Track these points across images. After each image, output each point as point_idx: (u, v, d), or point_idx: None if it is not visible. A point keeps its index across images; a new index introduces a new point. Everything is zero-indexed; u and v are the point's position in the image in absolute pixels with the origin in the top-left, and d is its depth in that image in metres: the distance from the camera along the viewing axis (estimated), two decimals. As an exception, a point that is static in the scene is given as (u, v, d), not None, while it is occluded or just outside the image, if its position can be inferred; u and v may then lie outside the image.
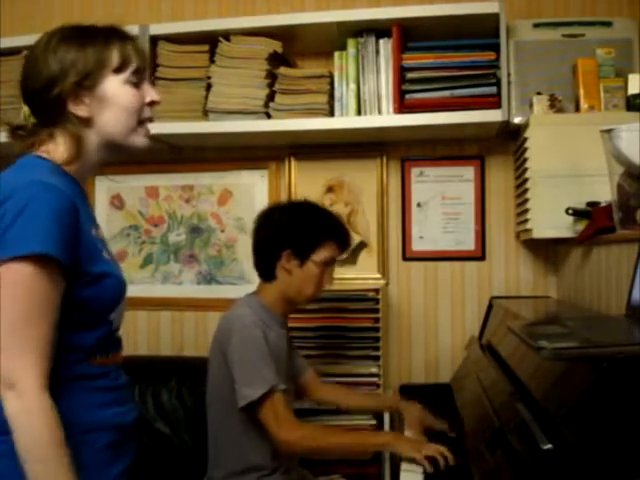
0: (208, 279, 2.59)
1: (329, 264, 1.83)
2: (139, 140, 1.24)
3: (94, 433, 1.15)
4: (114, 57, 1.19)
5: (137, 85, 1.22)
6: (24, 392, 1.03)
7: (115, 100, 1.19)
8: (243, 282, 2.55)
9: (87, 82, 1.17)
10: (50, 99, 1.17)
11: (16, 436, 1.03)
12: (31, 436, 1.03)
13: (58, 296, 1.08)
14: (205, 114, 2.29)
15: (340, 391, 2.07)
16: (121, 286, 1.21)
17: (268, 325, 1.78)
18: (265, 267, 1.84)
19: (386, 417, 2.15)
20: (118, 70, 1.19)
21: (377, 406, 2.10)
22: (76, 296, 1.11)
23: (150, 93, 1.24)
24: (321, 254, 1.79)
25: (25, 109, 1.24)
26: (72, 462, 1.06)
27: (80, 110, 1.18)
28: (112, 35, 1.21)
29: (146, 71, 1.25)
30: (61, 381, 1.11)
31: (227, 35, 2.27)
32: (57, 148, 1.19)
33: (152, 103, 1.25)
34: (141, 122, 1.24)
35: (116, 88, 1.19)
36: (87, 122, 1.19)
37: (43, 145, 1.20)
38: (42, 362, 1.05)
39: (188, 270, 2.61)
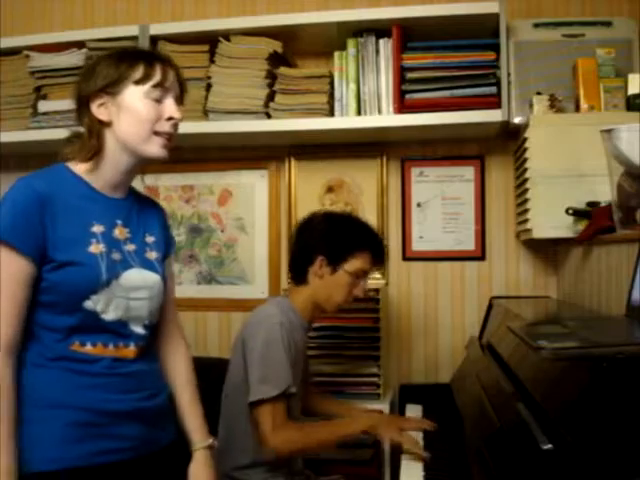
0: (208, 279, 2.59)
1: (361, 275, 1.86)
2: (152, 149, 1.33)
3: (62, 409, 1.25)
4: (138, 70, 1.31)
5: (158, 101, 1.32)
6: None
7: (131, 109, 1.30)
8: (243, 282, 2.56)
9: (110, 89, 1.30)
10: (79, 101, 1.33)
11: None
12: None
13: (22, 274, 1.23)
14: (205, 114, 2.29)
15: (329, 403, 2.05)
16: (94, 276, 1.27)
17: (295, 328, 1.80)
18: (298, 271, 1.88)
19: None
20: (139, 82, 1.30)
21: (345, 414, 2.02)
22: (44, 279, 1.25)
23: (170, 109, 1.33)
24: (353, 264, 1.82)
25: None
26: (14, 432, 1.19)
27: (101, 114, 1.31)
28: (142, 55, 1.35)
29: (174, 91, 1.35)
30: (43, 358, 1.26)
31: (227, 35, 2.27)
32: (79, 149, 1.33)
33: (170, 119, 1.33)
34: (156, 133, 1.32)
35: (135, 98, 1.31)
36: (107, 125, 1.32)
37: (79, 152, 1.33)
38: (9, 332, 1.21)
39: (188, 270, 2.61)
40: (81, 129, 1.34)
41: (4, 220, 1.23)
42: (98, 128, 1.31)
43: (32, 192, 1.24)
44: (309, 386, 2.05)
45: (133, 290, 1.33)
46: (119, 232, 1.34)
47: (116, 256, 1.31)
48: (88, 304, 1.27)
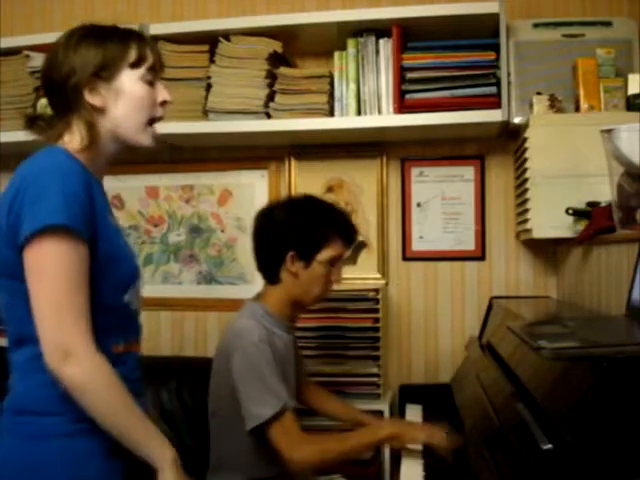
0: (208, 279, 2.59)
1: (335, 262, 1.77)
2: (146, 138, 1.29)
3: None
4: (131, 52, 1.24)
5: (151, 84, 1.28)
6: (83, 357, 1.09)
7: (129, 93, 1.24)
8: (243, 282, 2.56)
9: (104, 73, 1.23)
10: (68, 88, 1.22)
11: (86, 400, 1.10)
12: (100, 395, 1.10)
13: (86, 266, 1.13)
14: (205, 114, 2.29)
15: (334, 403, 2.01)
16: (134, 268, 1.25)
17: (274, 333, 1.72)
18: (269, 270, 1.78)
19: (386, 415, 2.15)
20: (134, 65, 1.25)
21: (349, 420, 1.98)
22: (92, 275, 1.15)
23: (163, 93, 1.30)
24: (326, 253, 1.74)
25: (42, 101, 1.35)
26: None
27: (95, 100, 1.23)
28: (130, 34, 1.28)
29: (160, 71, 1.31)
30: None
31: (227, 35, 2.27)
32: (73, 137, 1.24)
33: (164, 103, 1.30)
34: (152, 120, 1.29)
35: (131, 82, 1.25)
36: (101, 112, 1.24)
37: (61, 137, 1.25)
38: (89, 328, 1.12)
39: (188, 270, 2.61)
40: (42, 109, 1.29)
41: (63, 205, 1.10)
42: (92, 116, 1.23)
43: (83, 173, 1.16)
44: (308, 383, 2.02)
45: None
46: (115, 220, 1.30)
47: (126, 243, 1.29)
48: (126, 297, 1.23)
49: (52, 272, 1.09)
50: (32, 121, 1.30)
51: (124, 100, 1.24)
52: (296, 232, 1.73)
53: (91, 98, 1.23)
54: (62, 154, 1.20)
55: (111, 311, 1.20)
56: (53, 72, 1.24)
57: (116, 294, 1.21)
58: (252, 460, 1.69)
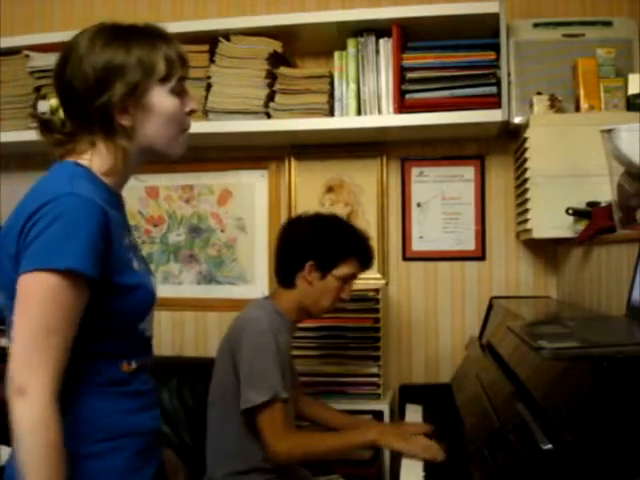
0: (208, 279, 2.59)
1: (349, 279, 1.87)
2: (177, 148, 1.22)
3: (127, 438, 1.14)
4: (161, 66, 1.16)
5: (179, 94, 1.20)
6: (34, 402, 1.02)
7: (160, 110, 1.17)
8: (243, 282, 2.56)
9: (134, 92, 1.14)
10: (95, 107, 1.13)
11: (17, 443, 1.02)
12: (31, 448, 1.02)
13: (80, 308, 1.07)
14: (205, 114, 2.29)
15: (325, 411, 2.03)
16: (150, 297, 1.19)
17: (280, 330, 1.79)
18: (286, 274, 1.87)
19: (386, 414, 2.15)
20: (164, 80, 1.16)
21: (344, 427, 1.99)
22: (105, 306, 1.10)
23: (190, 103, 1.22)
24: (342, 269, 1.83)
25: (53, 102, 1.21)
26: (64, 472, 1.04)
27: (124, 119, 1.15)
28: (157, 38, 1.19)
29: (187, 77, 1.23)
30: (94, 387, 1.12)
31: (227, 35, 2.27)
32: (99, 158, 1.16)
33: (191, 112, 1.23)
34: (183, 131, 1.22)
35: (162, 98, 1.17)
36: (130, 131, 1.16)
37: (84, 154, 1.16)
38: (56, 375, 1.04)
39: (188, 270, 2.61)
40: (51, 110, 1.18)
41: (74, 244, 1.03)
42: (125, 141, 1.15)
43: (102, 212, 1.06)
44: (303, 395, 2.04)
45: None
46: (132, 239, 1.22)
47: (143, 267, 1.20)
48: (141, 326, 1.18)
49: (40, 306, 1.03)
50: (46, 126, 1.20)
51: (154, 117, 1.16)
52: (320, 244, 1.84)
53: (120, 118, 1.14)
54: (85, 180, 1.12)
55: (124, 339, 1.16)
56: (77, 82, 1.14)
57: (131, 323, 1.17)
58: (250, 446, 1.74)
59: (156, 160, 1.24)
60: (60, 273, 1.02)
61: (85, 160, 1.15)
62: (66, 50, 1.19)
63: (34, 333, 1.03)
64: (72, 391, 1.09)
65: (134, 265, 1.16)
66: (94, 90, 1.12)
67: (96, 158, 1.16)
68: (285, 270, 1.87)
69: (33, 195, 1.10)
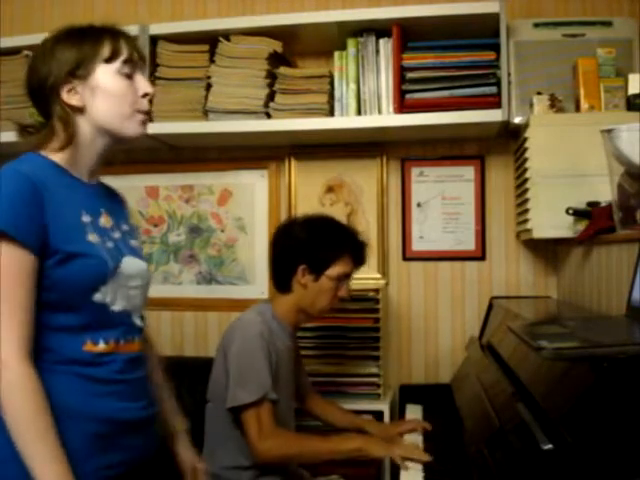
0: (208, 279, 2.59)
1: (343, 279, 1.87)
2: (132, 127, 1.27)
3: (80, 421, 1.17)
4: (105, 48, 1.24)
5: (129, 76, 1.27)
6: (7, 364, 1.08)
7: (106, 88, 1.24)
8: (243, 282, 2.56)
9: (79, 72, 1.23)
10: (46, 92, 1.24)
11: (8, 407, 1.09)
12: (15, 408, 1.08)
13: (27, 270, 1.12)
14: (205, 114, 2.29)
15: (332, 411, 2.05)
16: (103, 267, 1.21)
17: (276, 335, 1.81)
18: (281, 280, 1.88)
19: (386, 414, 2.15)
20: (109, 60, 1.24)
21: (349, 427, 2.03)
22: (53, 275, 1.15)
23: (142, 85, 1.28)
24: (335, 269, 1.83)
25: (32, 109, 1.31)
26: (57, 432, 1.11)
27: (73, 99, 1.24)
28: (104, 31, 1.27)
29: (140, 64, 1.30)
30: (53, 363, 1.17)
31: (227, 35, 2.27)
32: (56, 140, 1.25)
33: (145, 95, 1.29)
34: (137, 113, 1.27)
35: (107, 77, 1.25)
36: (81, 111, 1.24)
37: (48, 142, 1.25)
38: (22, 332, 1.11)
39: (188, 270, 2.61)
40: (33, 117, 1.28)
41: (1, 209, 1.12)
42: (71, 116, 1.23)
43: (26, 179, 1.15)
44: (310, 390, 2.05)
45: (130, 278, 1.27)
46: (105, 220, 1.28)
47: (109, 244, 1.25)
48: (98, 297, 1.20)
49: None
50: (23, 129, 1.31)
51: (102, 96, 1.24)
52: (309, 247, 1.84)
53: (69, 98, 1.23)
54: (28, 161, 1.22)
55: (78, 310, 1.19)
56: (32, 78, 1.26)
57: (84, 293, 1.19)
58: (244, 444, 1.74)
59: (120, 143, 1.30)
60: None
61: (44, 149, 1.25)
62: (31, 57, 1.31)
63: None
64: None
65: (88, 237, 1.21)
66: (45, 78, 1.23)
67: (54, 142, 1.25)
68: (280, 276, 1.88)
69: None
